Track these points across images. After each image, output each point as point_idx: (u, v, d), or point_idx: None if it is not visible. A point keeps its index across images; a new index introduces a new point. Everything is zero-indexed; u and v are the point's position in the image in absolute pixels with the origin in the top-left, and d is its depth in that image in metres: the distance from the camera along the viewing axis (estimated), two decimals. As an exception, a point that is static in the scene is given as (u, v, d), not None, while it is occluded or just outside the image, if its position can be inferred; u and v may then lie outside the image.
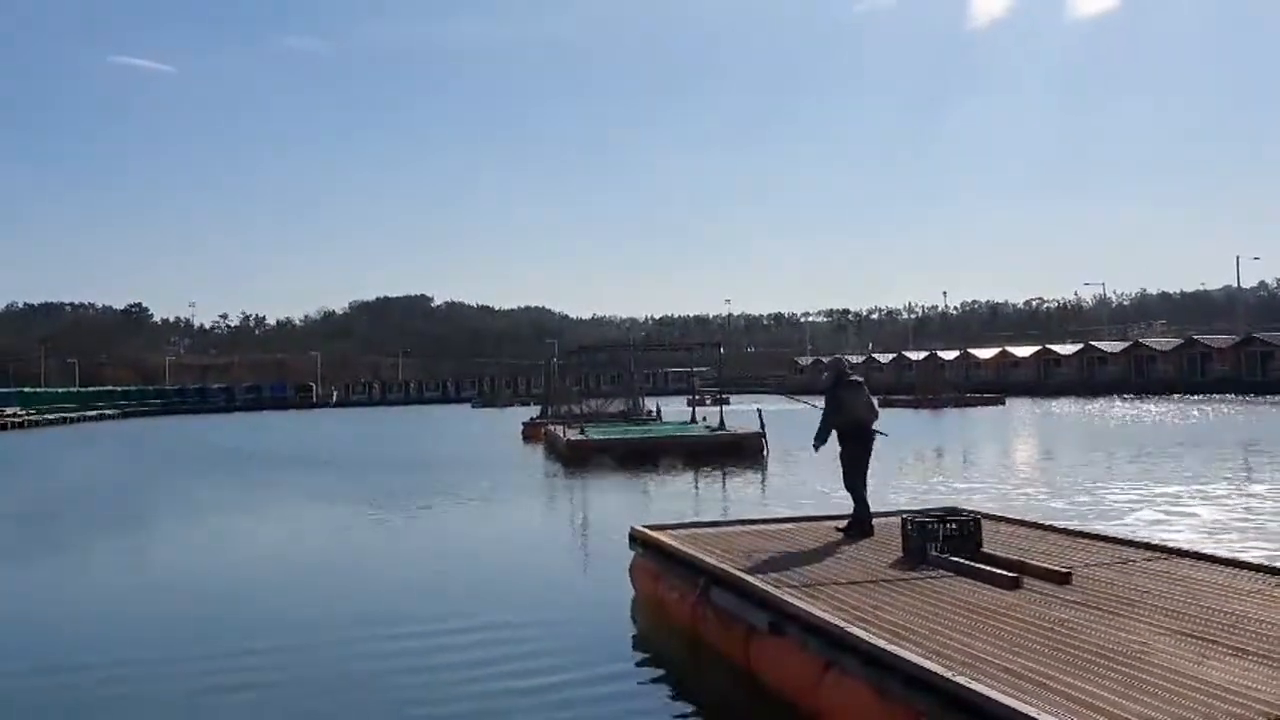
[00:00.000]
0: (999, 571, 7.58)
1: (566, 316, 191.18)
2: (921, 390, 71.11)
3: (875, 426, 10.26)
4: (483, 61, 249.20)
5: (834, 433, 10.22)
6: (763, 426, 28.23)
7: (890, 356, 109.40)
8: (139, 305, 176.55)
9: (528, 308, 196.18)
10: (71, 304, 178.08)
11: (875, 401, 10.53)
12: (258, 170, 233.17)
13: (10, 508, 22.50)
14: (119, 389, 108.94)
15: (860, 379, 10.56)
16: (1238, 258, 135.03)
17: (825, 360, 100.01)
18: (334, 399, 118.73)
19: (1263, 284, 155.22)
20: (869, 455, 10.25)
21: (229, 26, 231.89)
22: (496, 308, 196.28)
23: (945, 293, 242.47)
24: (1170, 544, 9.29)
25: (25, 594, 12.36)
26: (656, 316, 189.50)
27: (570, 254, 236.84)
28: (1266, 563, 8.08)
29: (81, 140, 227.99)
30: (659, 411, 44.04)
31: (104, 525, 19.10)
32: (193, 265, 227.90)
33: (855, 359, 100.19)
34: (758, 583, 7.57)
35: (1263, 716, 4.47)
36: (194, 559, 14.79)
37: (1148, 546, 8.92)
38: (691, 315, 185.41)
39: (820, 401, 10.48)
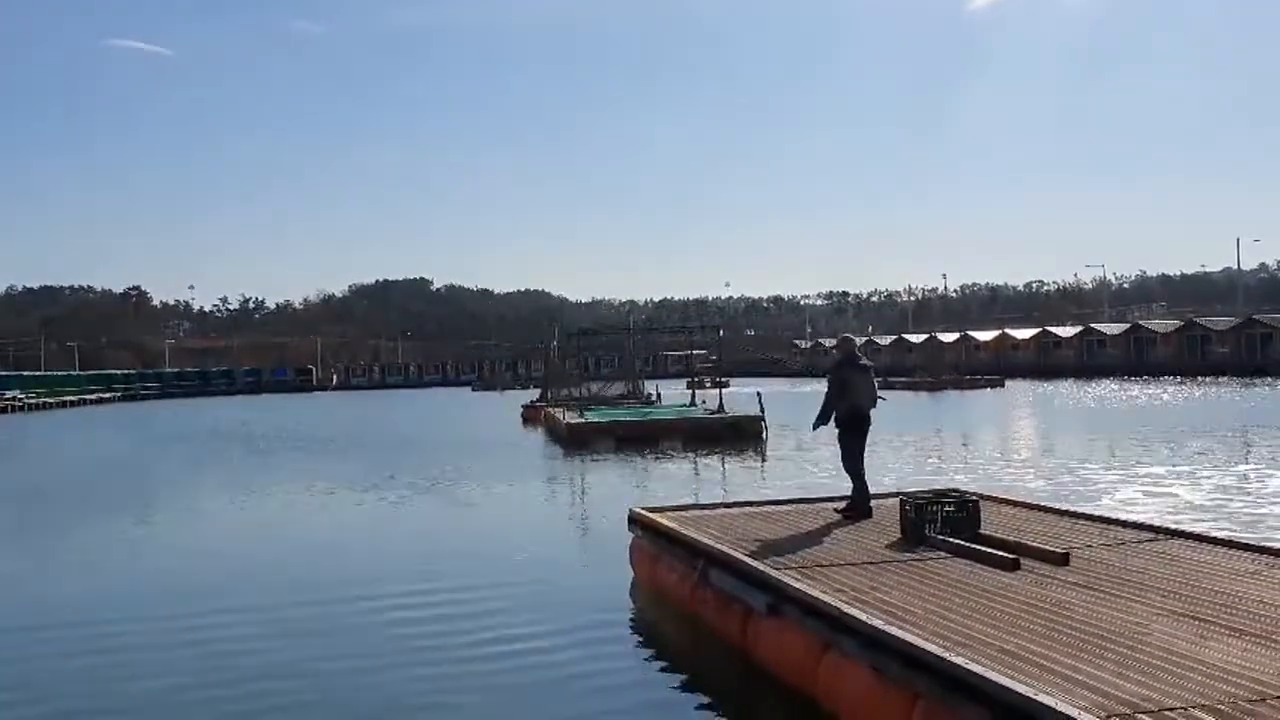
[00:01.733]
0: (997, 553, 7.57)
1: (566, 299, 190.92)
2: (921, 372, 71.12)
3: (878, 396, 10.33)
4: (481, 43, 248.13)
5: (832, 415, 10.23)
6: (762, 409, 28.23)
7: (890, 339, 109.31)
8: (138, 288, 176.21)
9: (527, 291, 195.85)
10: (71, 287, 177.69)
11: (877, 385, 10.51)
12: (256, 152, 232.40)
13: (12, 489, 22.54)
14: (119, 372, 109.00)
15: (869, 363, 10.55)
16: (1238, 240, 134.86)
17: (828, 342, 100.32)
18: (334, 382, 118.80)
19: (1263, 266, 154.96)
20: (866, 438, 10.25)
21: (226, 9, 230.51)
22: (496, 291, 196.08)
23: (945, 275, 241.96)
24: (1169, 525, 9.30)
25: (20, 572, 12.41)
26: (656, 299, 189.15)
27: (569, 237, 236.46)
28: (1265, 544, 8.08)
29: (79, 123, 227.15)
30: (658, 394, 44.04)
31: (104, 506, 19.10)
32: (192, 248, 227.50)
33: (856, 341, 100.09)
34: (756, 564, 7.57)
35: (1260, 696, 4.47)
36: (200, 538, 14.82)
37: (1146, 528, 8.92)
38: (691, 298, 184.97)
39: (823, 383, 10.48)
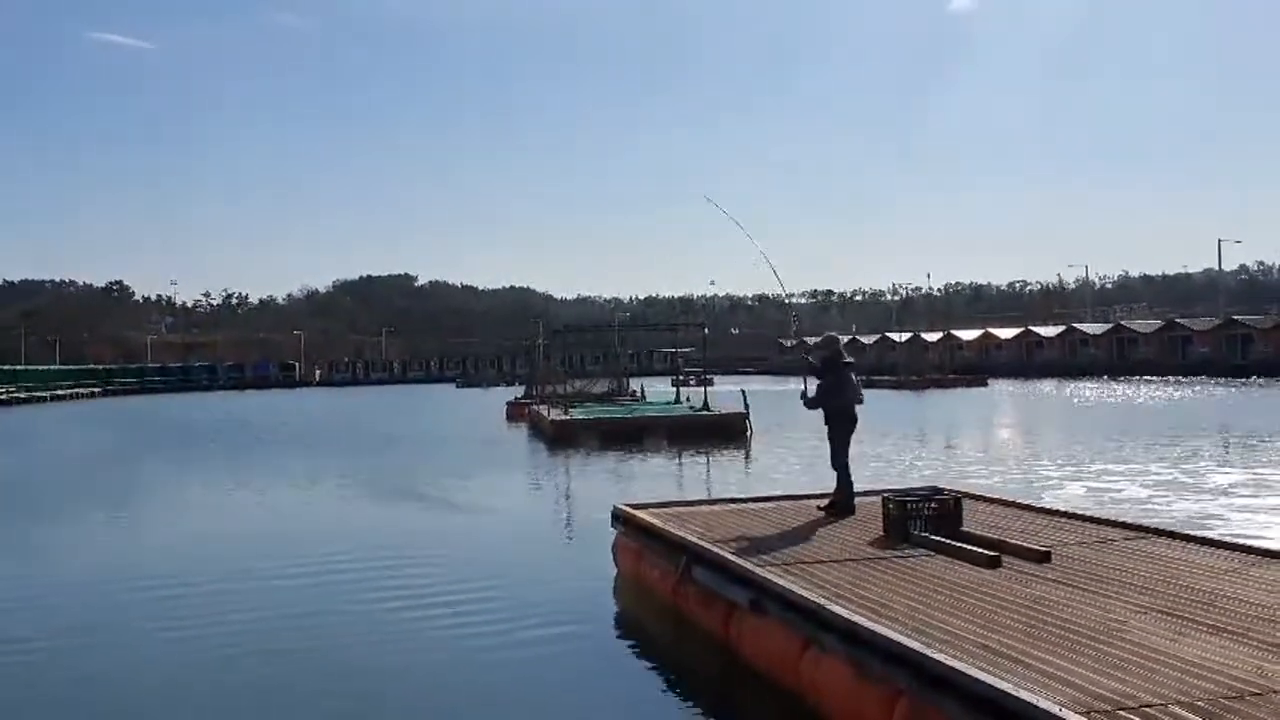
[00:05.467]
0: (979, 550, 7.61)
1: (551, 296, 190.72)
2: (904, 371, 71.42)
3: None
4: (467, 38, 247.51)
5: (821, 411, 10.27)
6: (746, 407, 28.28)
7: (874, 337, 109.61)
8: (120, 283, 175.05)
9: (512, 287, 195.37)
10: (52, 281, 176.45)
11: (859, 383, 10.53)
12: (240, 147, 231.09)
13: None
14: (101, 367, 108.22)
15: (851, 359, 10.58)
16: (1219, 241, 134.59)
17: (812, 340, 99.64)
18: (317, 378, 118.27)
19: (1243, 267, 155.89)
20: (851, 435, 10.28)
21: (209, 2, 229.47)
22: (480, 287, 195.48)
23: (929, 274, 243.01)
24: (1148, 524, 9.36)
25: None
26: (641, 296, 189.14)
27: (555, 234, 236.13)
28: (1243, 542, 8.15)
29: (60, 116, 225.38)
30: (643, 391, 44.03)
31: (84, 502, 18.99)
32: (174, 242, 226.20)
33: (841, 339, 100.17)
34: (739, 560, 7.58)
35: (1237, 693, 4.51)
36: (186, 535, 14.74)
37: (1126, 526, 8.98)
38: (676, 295, 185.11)
39: (811, 382, 10.42)
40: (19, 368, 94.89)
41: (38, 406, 69.37)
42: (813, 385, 10.33)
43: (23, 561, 13.02)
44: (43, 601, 10.22)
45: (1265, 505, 13.99)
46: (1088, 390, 54.99)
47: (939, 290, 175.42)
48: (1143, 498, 14.95)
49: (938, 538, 8.12)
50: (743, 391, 29.67)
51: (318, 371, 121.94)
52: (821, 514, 9.93)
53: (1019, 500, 11.04)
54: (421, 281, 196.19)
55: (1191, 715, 4.25)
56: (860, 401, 10.32)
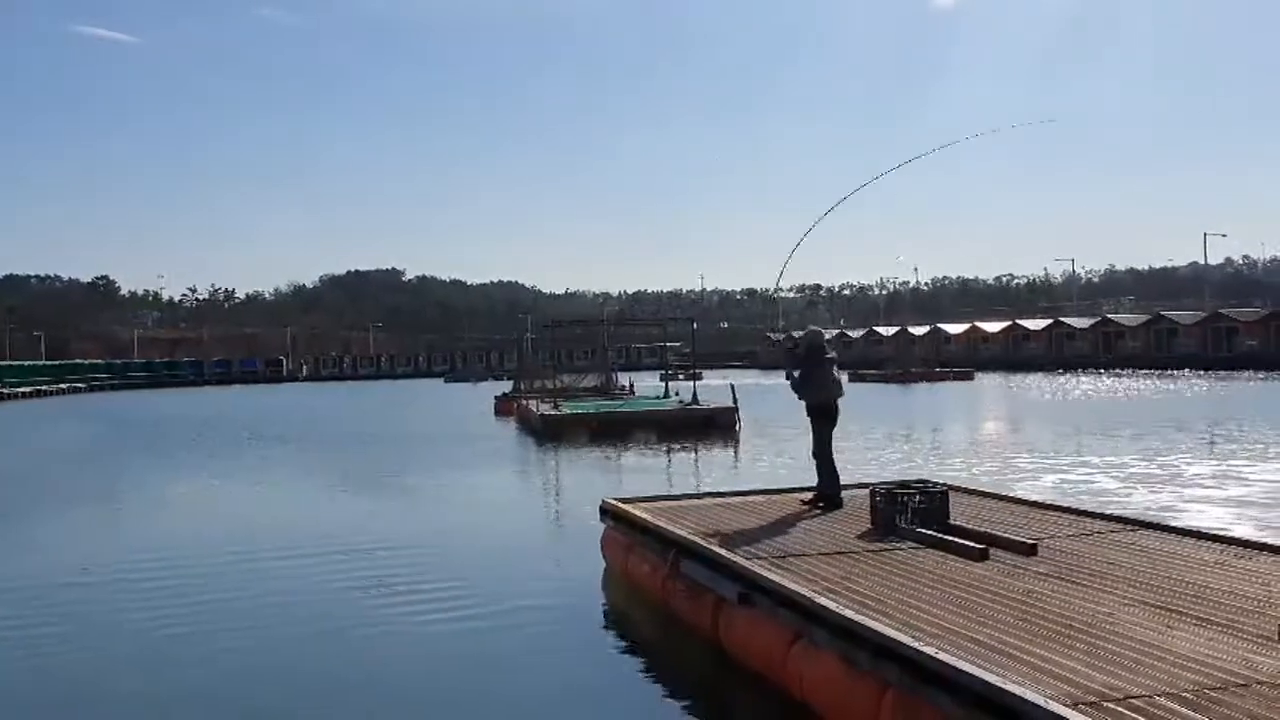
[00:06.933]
0: (967, 543, 7.61)
1: (539, 291, 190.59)
2: (891, 365, 71.59)
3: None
4: (455, 34, 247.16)
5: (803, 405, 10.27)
6: (735, 401, 28.28)
7: (861, 331, 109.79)
8: (106, 278, 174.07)
9: (500, 282, 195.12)
10: (37, 276, 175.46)
11: (841, 377, 10.52)
12: (226, 142, 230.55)
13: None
14: (87, 363, 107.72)
15: (833, 354, 10.57)
16: (1205, 234, 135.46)
17: (797, 334, 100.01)
18: (304, 373, 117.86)
19: (1229, 260, 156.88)
20: (833, 428, 10.27)
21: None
22: (469, 282, 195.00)
23: (916, 268, 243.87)
24: (1136, 516, 9.39)
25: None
26: (630, 291, 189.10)
27: (543, 228, 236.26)
28: (1231, 534, 8.18)
29: (44, 110, 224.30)
30: (632, 386, 43.99)
31: (70, 498, 18.89)
32: (161, 237, 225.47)
33: (827, 334, 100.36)
34: (727, 554, 7.57)
35: (1224, 684, 4.52)
36: (178, 530, 14.66)
37: (1114, 519, 9.00)
38: (665, 290, 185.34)
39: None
40: (2, 363, 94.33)
41: (21, 402, 68.96)
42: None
43: None
44: (14, 596, 10.16)
45: (1230, 497, 14.09)
46: (1073, 384, 55.19)
47: (926, 285, 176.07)
48: (1115, 489, 15.05)
49: (925, 530, 8.12)
50: (731, 385, 29.67)
51: (305, 367, 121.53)
52: (809, 507, 9.91)
53: (1005, 493, 11.06)
54: (409, 276, 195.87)
55: (1178, 706, 4.25)
56: (840, 395, 10.31)
